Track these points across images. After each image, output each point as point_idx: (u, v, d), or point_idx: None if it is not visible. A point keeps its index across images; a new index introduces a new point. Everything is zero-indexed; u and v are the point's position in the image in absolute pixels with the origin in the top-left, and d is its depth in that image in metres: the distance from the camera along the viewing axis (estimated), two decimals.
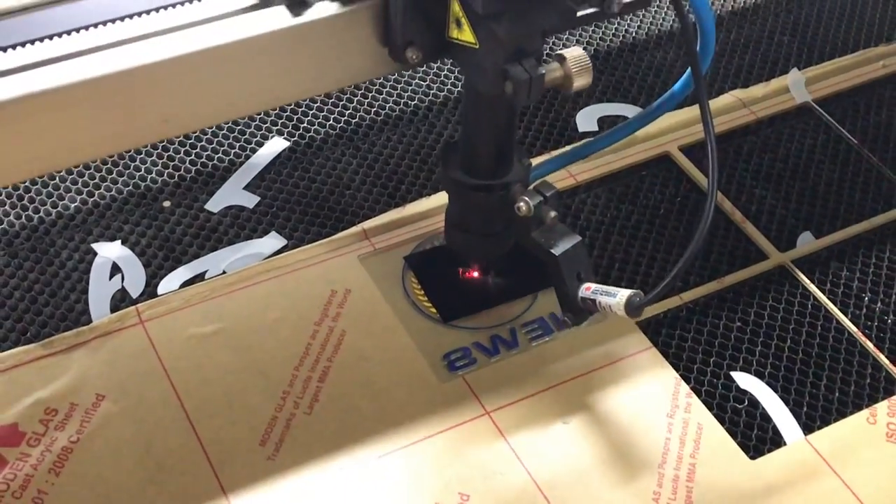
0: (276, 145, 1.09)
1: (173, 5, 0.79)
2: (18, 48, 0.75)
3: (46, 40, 0.75)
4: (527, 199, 0.84)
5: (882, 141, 1.13)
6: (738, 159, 1.10)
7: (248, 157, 1.08)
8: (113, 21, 0.77)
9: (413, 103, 1.15)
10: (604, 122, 1.14)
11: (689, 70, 0.86)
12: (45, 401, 0.87)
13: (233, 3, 0.81)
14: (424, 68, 1.18)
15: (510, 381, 0.90)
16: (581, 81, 0.80)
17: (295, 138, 1.10)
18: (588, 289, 0.82)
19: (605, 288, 0.81)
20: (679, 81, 0.88)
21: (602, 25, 1.25)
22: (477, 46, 0.78)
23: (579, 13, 0.78)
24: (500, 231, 0.90)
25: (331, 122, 1.12)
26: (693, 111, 1.11)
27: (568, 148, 1.01)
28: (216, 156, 1.08)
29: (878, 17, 1.28)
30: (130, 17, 0.79)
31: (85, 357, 0.90)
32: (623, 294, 0.78)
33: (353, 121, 1.13)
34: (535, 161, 0.94)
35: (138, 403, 0.87)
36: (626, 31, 1.25)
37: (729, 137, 1.12)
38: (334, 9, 0.80)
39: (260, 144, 1.09)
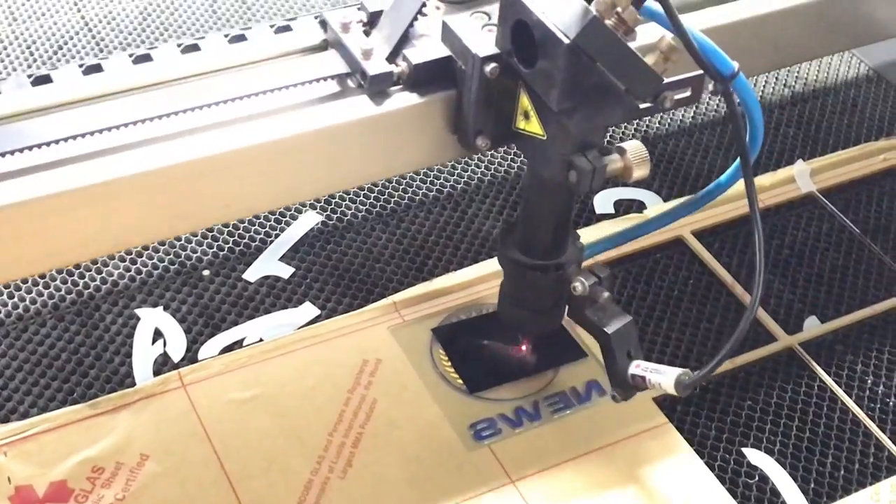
0: (310, 219, 1.15)
1: (255, 94, 0.86)
2: (105, 132, 0.81)
3: (130, 125, 0.81)
4: (582, 279, 0.89)
5: (883, 231, 1.19)
6: (748, 245, 1.16)
7: (283, 230, 1.13)
8: (192, 110, 0.83)
9: (438, 182, 1.21)
10: (620, 204, 1.20)
11: (737, 161, 0.91)
12: (92, 459, 0.91)
13: (314, 90, 0.87)
14: None
15: (534, 452, 0.95)
16: (640, 172, 0.85)
17: (327, 213, 1.16)
18: (637, 366, 0.87)
19: (654, 366, 0.86)
20: (726, 173, 0.95)
21: None
22: (544, 137, 0.84)
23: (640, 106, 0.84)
24: (553, 308, 0.95)
25: (361, 198, 1.18)
26: None
27: (619, 229, 1.07)
28: (253, 228, 1.13)
29: (879, 112, 1.35)
30: (209, 105, 0.85)
31: (130, 418, 0.94)
32: (672, 373, 0.84)
33: (383, 197, 1.18)
34: (586, 239, 0.99)
35: (181, 464, 0.91)
36: (640, 121, 1.31)
37: (739, 224, 1.18)
38: (413, 99, 0.87)
39: (294, 218, 1.15)
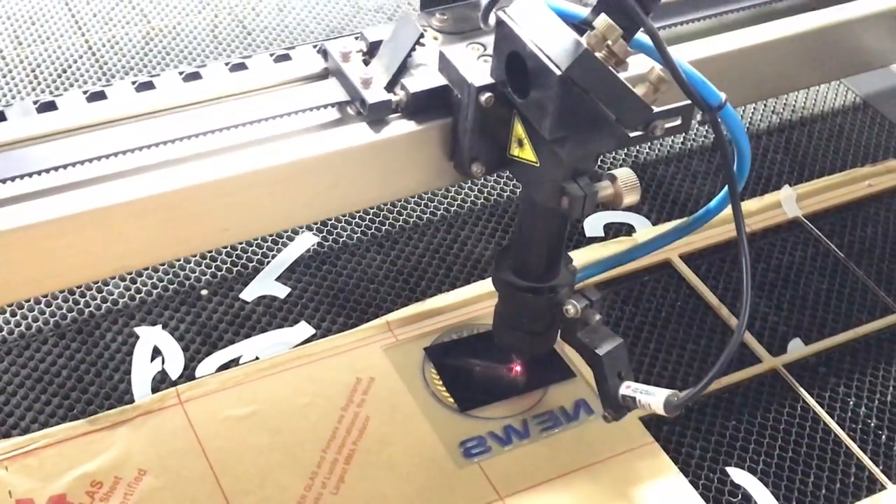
0: (306, 240, 1.17)
1: (257, 121, 0.88)
2: (111, 158, 0.84)
3: (132, 152, 0.84)
4: (574, 302, 0.92)
5: (867, 256, 1.22)
6: (734, 268, 1.19)
7: (279, 251, 1.16)
8: (195, 136, 0.86)
9: (432, 206, 1.24)
10: (610, 228, 1.22)
11: (725, 188, 0.92)
12: (91, 474, 0.93)
13: (315, 118, 0.91)
14: None
15: (522, 469, 0.97)
16: (630, 198, 0.87)
17: (323, 234, 1.19)
18: (628, 387, 0.89)
19: (644, 387, 0.88)
20: (714, 199, 0.97)
21: None
22: (537, 164, 0.87)
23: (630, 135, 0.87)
24: (546, 330, 0.98)
25: (356, 220, 1.21)
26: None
27: (609, 254, 1.10)
28: (250, 249, 1.16)
29: (864, 139, 1.38)
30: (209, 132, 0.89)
31: (128, 434, 0.96)
32: (662, 394, 0.86)
33: (377, 220, 1.21)
34: (579, 262, 1.01)
35: (177, 479, 0.94)
36: (631, 148, 1.34)
37: (726, 247, 1.20)
38: (411, 127, 0.90)
39: (291, 239, 1.17)
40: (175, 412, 0.99)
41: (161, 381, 1.02)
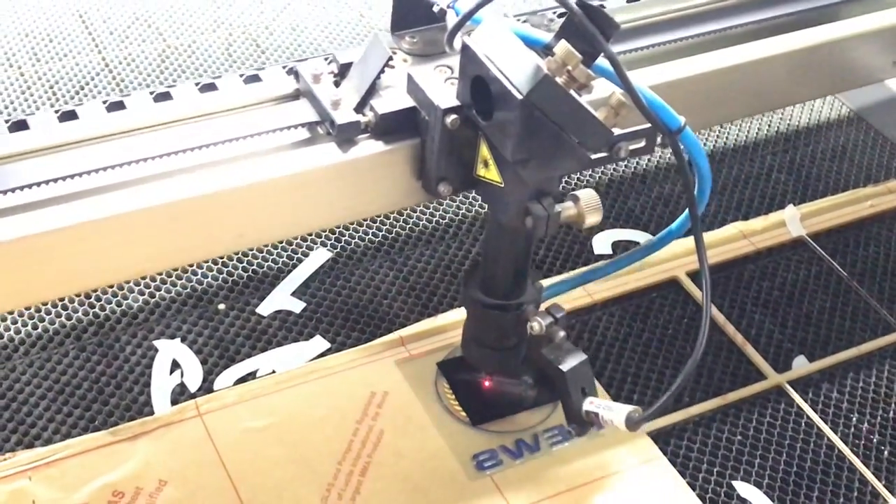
0: (321, 256, 1.20)
1: (227, 141, 0.93)
2: (125, 167, 0.88)
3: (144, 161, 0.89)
4: (539, 319, 0.94)
5: (869, 274, 1.25)
6: (739, 286, 1.21)
7: (295, 266, 1.18)
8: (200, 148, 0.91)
9: (444, 222, 1.26)
10: (618, 245, 1.25)
11: (686, 211, 0.95)
12: (112, 484, 0.95)
13: (286, 137, 0.94)
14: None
15: (533, 482, 0.99)
16: (592, 219, 0.89)
17: (337, 250, 1.21)
18: (591, 403, 0.91)
19: (607, 403, 0.90)
20: (677, 220, 0.98)
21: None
22: (502, 185, 0.88)
23: (592, 157, 0.87)
24: (513, 346, 1.00)
25: (370, 236, 1.23)
26: None
27: (578, 271, 1.12)
28: (266, 264, 1.18)
29: (867, 159, 1.41)
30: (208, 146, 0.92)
31: (148, 445, 0.99)
32: (623, 410, 0.87)
33: (390, 236, 1.24)
34: (548, 282, 1.04)
35: (197, 490, 0.96)
36: (637, 164, 1.37)
37: (731, 266, 1.23)
38: (379, 147, 0.93)
39: (306, 255, 1.20)
40: (194, 424, 1.01)
41: (180, 394, 1.05)
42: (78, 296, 1.13)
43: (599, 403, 0.91)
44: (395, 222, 1.25)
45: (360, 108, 0.93)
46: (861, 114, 1.48)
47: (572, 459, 1.01)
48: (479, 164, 0.90)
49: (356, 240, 1.23)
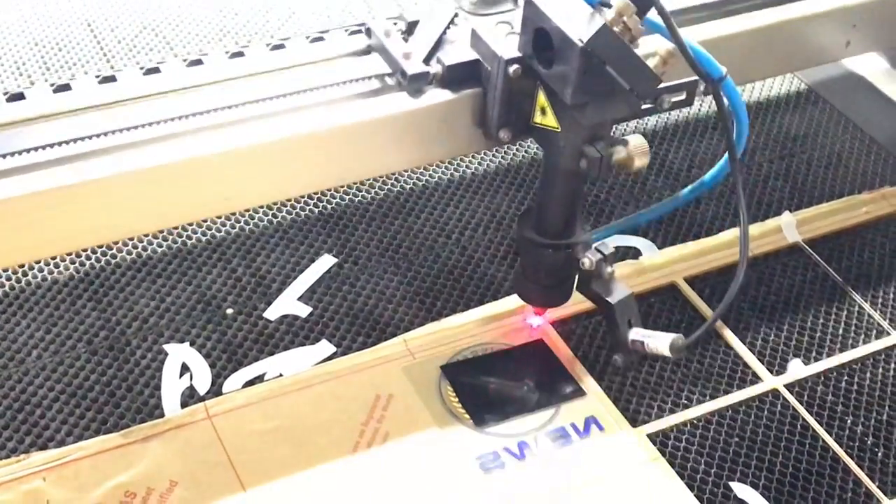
0: (326, 261, 1.22)
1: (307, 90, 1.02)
2: (140, 128, 0.95)
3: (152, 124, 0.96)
4: (590, 256, 1.01)
5: (864, 280, 1.27)
6: (738, 293, 1.23)
7: (301, 271, 1.21)
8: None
9: (447, 228, 1.29)
10: (618, 251, 1.27)
11: (725, 156, 1.02)
12: (124, 484, 0.98)
13: (358, 87, 1.02)
14: (461, 200, 1.32)
15: (534, 483, 1.02)
16: (640, 162, 0.96)
17: (343, 255, 1.24)
18: (637, 332, 1.00)
19: (651, 332, 0.99)
20: (709, 173, 1.07)
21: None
22: (559, 130, 0.96)
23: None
24: (562, 284, 1.07)
25: (374, 241, 1.26)
26: (697, 245, 1.26)
27: (619, 220, 1.20)
28: (273, 269, 1.21)
29: (862, 166, 1.43)
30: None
31: (159, 447, 1.01)
32: (666, 338, 0.96)
33: (395, 242, 1.26)
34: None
35: (207, 490, 0.98)
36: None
37: (729, 270, 1.25)
38: (446, 95, 1.01)
39: (312, 260, 1.22)
40: (204, 426, 1.03)
41: (190, 397, 1.07)
42: (90, 300, 1.15)
43: (644, 333, 1.00)
44: (399, 227, 1.28)
45: (427, 61, 1.01)
46: (857, 122, 1.50)
47: (573, 461, 1.04)
48: (537, 112, 0.97)
49: (361, 245, 1.25)
